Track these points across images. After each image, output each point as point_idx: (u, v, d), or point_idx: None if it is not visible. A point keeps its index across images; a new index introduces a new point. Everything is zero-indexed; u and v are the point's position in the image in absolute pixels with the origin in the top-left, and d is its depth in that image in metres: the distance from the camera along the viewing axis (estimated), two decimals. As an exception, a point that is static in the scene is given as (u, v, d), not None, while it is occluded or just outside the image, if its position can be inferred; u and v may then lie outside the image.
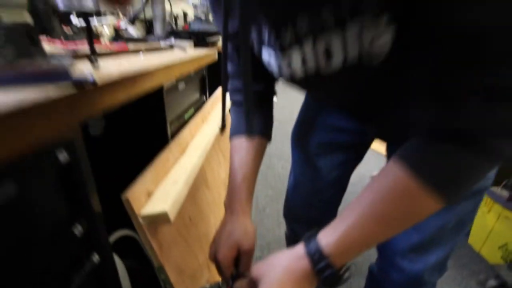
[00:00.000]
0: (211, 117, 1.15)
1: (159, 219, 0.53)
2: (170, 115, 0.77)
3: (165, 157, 0.69)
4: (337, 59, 0.31)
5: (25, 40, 0.34)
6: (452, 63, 0.23)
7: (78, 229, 0.40)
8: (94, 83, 0.32)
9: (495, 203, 1.21)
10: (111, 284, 0.49)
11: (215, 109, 1.24)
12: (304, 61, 0.34)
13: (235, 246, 0.46)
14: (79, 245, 0.40)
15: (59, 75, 0.30)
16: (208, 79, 1.22)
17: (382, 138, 0.53)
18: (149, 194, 0.58)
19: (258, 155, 0.51)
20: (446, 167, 0.27)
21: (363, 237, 0.31)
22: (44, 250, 0.34)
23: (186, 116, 0.97)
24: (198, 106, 1.14)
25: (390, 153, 0.54)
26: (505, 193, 1.19)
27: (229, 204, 0.51)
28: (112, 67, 0.46)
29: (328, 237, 0.33)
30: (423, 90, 0.29)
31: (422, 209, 0.29)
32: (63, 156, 0.34)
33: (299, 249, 0.35)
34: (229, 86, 0.52)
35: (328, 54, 0.31)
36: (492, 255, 1.24)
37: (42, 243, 0.34)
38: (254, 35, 0.37)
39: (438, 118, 0.26)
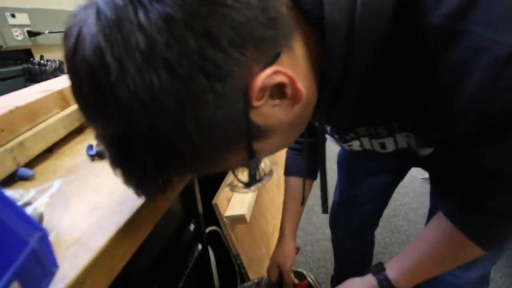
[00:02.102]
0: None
1: (238, 220, 0.70)
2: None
3: (236, 169, 0.86)
4: (390, 148, 0.39)
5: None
6: (478, 180, 0.32)
7: (192, 227, 0.58)
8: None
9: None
10: (206, 266, 0.67)
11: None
12: (361, 146, 0.43)
13: (276, 266, 0.64)
14: (192, 237, 0.59)
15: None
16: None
17: (425, 169, 0.61)
18: (228, 200, 0.76)
19: (307, 191, 0.65)
20: (486, 229, 0.36)
21: (422, 273, 0.42)
22: (176, 241, 0.53)
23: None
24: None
25: (432, 178, 0.62)
26: None
27: (280, 232, 0.67)
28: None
29: (395, 272, 0.44)
30: (457, 182, 0.37)
31: (470, 254, 0.39)
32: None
33: (370, 279, 0.46)
34: None
35: (383, 146, 0.39)
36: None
37: (175, 236, 0.52)
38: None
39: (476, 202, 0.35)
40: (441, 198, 0.42)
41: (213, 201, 0.69)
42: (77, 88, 0.22)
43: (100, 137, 0.23)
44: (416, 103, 0.28)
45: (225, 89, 0.21)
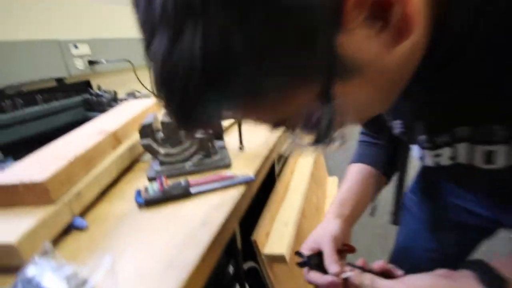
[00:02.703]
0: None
1: (278, 259, 0.67)
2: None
3: (275, 199, 0.84)
4: (500, 164, 0.29)
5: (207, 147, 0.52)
6: None
7: (231, 269, 0.57)
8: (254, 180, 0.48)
9: None
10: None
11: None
12: (453, 158, 0.32)
13: (311, 245, 0.47)
14: (231, 279, 0.58)
15: (233, 178, 0.47)
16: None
17: None
18: (267, 234, 0.74)
19: (373, 185, 0.51)
20: None
21: None
22: (215, 284, 0.51)
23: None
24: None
25: None
26: None
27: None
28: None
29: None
30: None
31: None
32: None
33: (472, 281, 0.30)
34: (362, 130, 0.57)
35: (489, 158, 0.29)
36: None
37: (215, 280, 0.51)
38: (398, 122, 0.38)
39: None
40: None
41: (252, 237, 0.67)
42: None
43: (148, 53, 0.19)
44: None
45: None
